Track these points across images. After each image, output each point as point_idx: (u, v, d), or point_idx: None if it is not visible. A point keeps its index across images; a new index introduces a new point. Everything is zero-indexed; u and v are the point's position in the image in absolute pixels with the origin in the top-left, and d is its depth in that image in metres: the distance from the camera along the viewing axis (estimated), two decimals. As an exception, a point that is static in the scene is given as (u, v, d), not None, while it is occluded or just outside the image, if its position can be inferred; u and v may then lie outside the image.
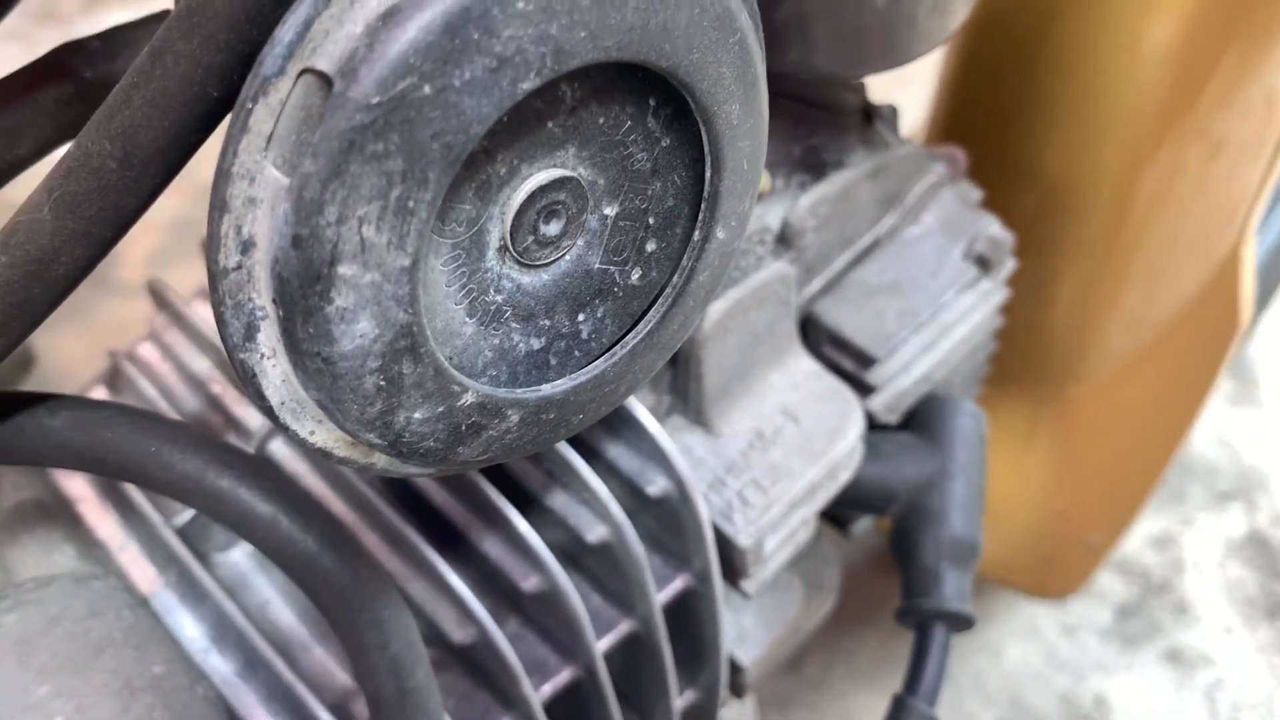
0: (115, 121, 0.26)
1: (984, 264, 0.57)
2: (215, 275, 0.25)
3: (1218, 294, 0.79)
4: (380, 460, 0.31)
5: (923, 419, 0.58)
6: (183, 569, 0.46)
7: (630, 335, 0.32)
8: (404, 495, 0.45)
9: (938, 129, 0.73)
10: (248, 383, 0.27)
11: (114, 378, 0.53)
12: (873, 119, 0.58)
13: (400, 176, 0.24)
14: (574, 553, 0.47)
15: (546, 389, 0.31)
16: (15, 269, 0.28)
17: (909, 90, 0.92)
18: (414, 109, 0.24)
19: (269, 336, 0.26)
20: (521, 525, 0.42)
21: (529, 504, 0.44)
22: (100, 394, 0.53)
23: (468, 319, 0.29)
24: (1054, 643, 1.26)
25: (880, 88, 0.63)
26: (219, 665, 0.46)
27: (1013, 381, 0.78)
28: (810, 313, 0.55)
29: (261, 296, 0.25)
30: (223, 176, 0.24)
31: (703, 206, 0.31)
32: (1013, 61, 0.68)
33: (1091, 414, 0.80)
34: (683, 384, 0.49)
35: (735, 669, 0.59)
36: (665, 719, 0.56)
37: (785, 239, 0.51)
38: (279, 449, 0.47)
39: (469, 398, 0.29)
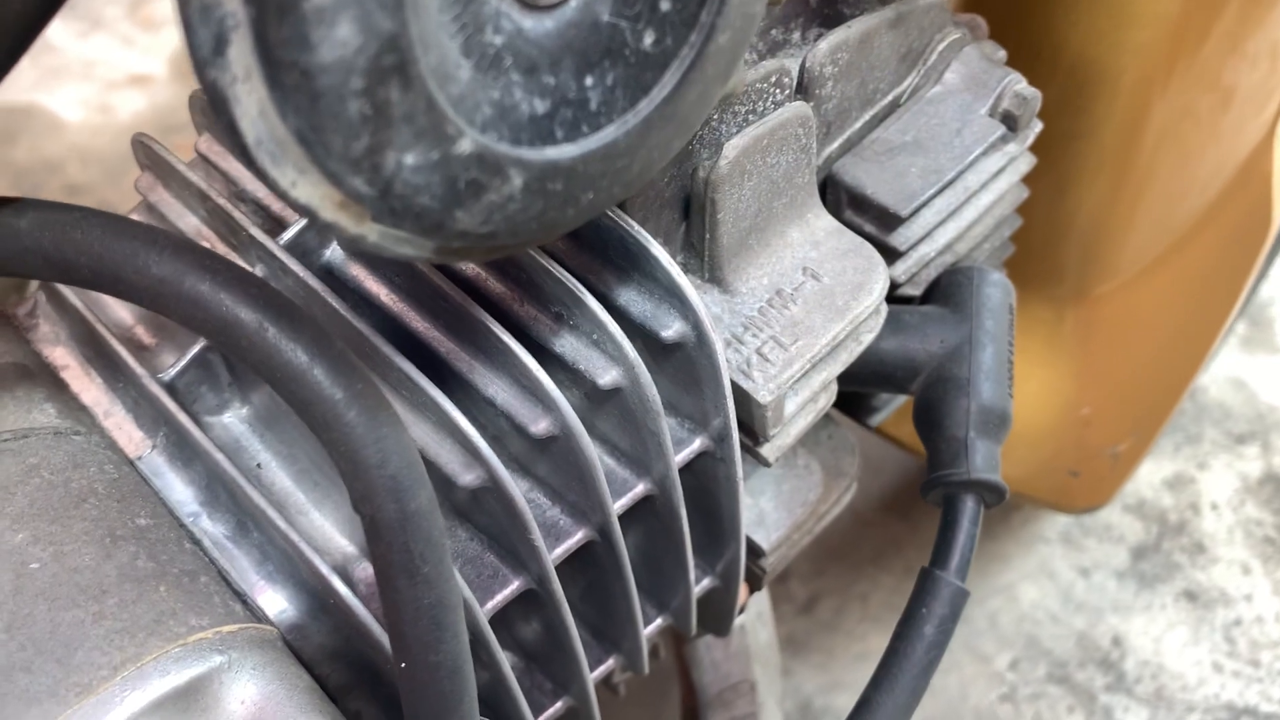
0: None
1: (1011, 122, 0.54)
2: (179, -31, 0.22)
3: (1248, 191, 0.76)
4: (372, 232, 0.28)
5: (947, 288, 0.55)
6: (173, 426, 0.43)
7: (644, 102, 0.29)
8: (402, 338, 0.42)
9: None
10: (220, 111, 0.24)
11: (49, 294, 0.50)
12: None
13: None
14: (585, 410, 0.44)
15: (552, 152, 0.28)
16: None
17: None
18: None
19: (241, 53, 0.23)
20: (529, 361, 0.39)
21: (536, 351, 0.41)
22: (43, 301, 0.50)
23: (463, 60, 0.26)
24: (1070, 584, 1.24)
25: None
26: (209, 529, 0.44)
27: (1034, 282, 0.75)
28: (829, 174, 0.52)
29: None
30: None
31: (721, -49, 0.28)
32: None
33: (1117, 315, 0.77)
34: (698, 236, 0.46)
35: (754, 554, 0.57)
36: (684, 604, 0.53)
37: (804, 87, 0.48)
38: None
39: (466, 145, 0.26)
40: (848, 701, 1.23)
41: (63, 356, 0.48)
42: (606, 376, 0.42)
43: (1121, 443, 0.79)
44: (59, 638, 0.35)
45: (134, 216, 0.51)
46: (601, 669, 0.54)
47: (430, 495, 0.34)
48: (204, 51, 0.23)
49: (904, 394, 0.56)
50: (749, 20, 0.30)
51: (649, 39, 0.29)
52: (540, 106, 0.29)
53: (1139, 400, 0.80)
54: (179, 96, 1.74)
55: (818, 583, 1.29)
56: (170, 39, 1.79)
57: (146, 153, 0.48)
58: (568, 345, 0.42)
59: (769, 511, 0.56)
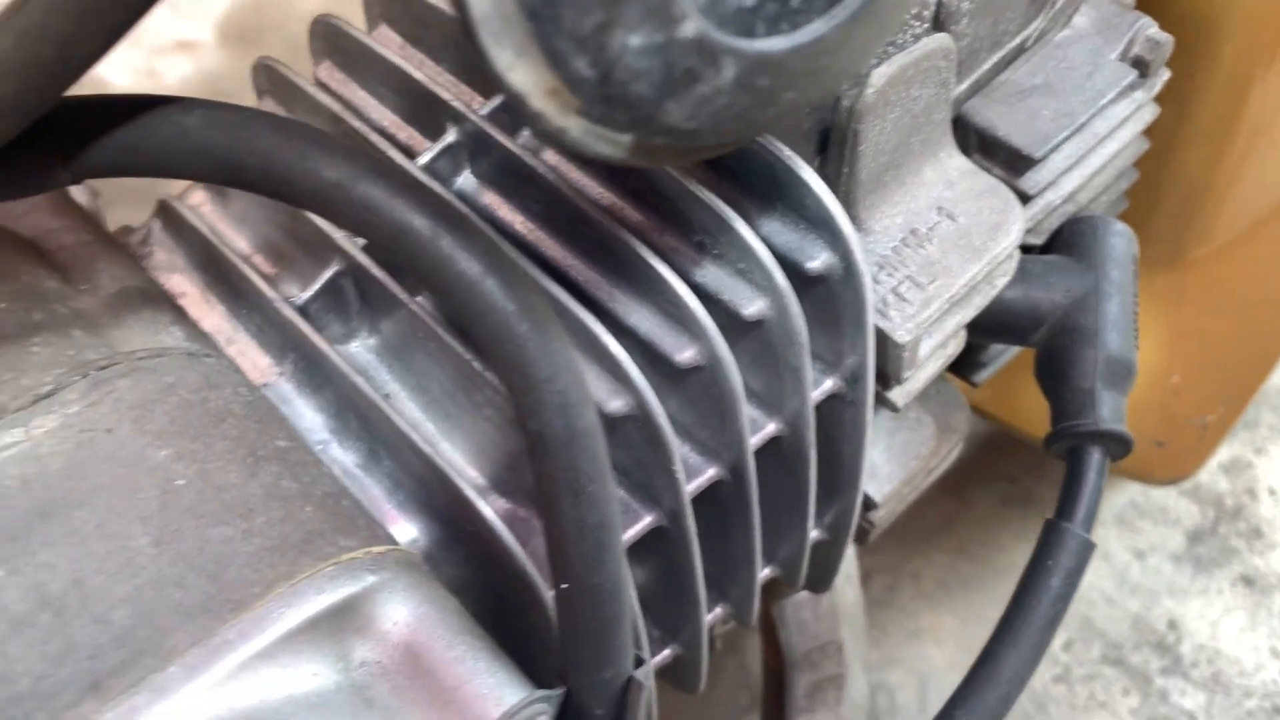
0: None
1: (1142, 67, 0.53)
2: None
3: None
4: (575, 126, 0.27)
5: (1071, 238, 0.54)
6: (303, 351, 0.42)
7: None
8: (538, 265, 0.41)
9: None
10: (452, -19, 0.23)
11: (166, 221, 0.50)
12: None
13: None
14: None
15: (763, 44, 0.27)
16: None
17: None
18: None
19: (480, -85, 0.22)
20: (678, 286, 0.38)
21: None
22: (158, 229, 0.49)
23: (686, -58, 0.25)
24: (1125, 565, 1.23)
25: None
26: (339, 456, 0.43)
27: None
28: (959, 115, 0.51)
29: None
30: None
31: None
32: None
33: (1211, 280, 0.75)
34: (834, 170, 0.45)
35: (865, 507, 0.55)
36: (795, 555, 0.52)
37: (940, 21, 0.47)
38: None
39: (689, 28, 0.25)
40: (901, 678, 1.23)
41: (180, 284, 0.47)
42: (751, 307, 0.40)
43: (1210, 413, 0.77)
44: (209, 554, 0.35)
45: (198, 193, 0.50)
46: (710, 617, 0.53)
47: (596, 415, 0.34)
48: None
49: (1024, 345, 0.55)
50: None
51: (855, -67, 0.28)
52: (748, 0, 0.27)
53: (1230, 369, 0.78)
54: (226, 62, 1.74)
55: (870, 560, 1.28)
56: (218, 4, 1.78)
57: (269, 75, 0.47)
58: (709, 275, 0.41)
59: (880, 464, 0.55)
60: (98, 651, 0.32)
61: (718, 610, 0.53)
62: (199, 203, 0.49)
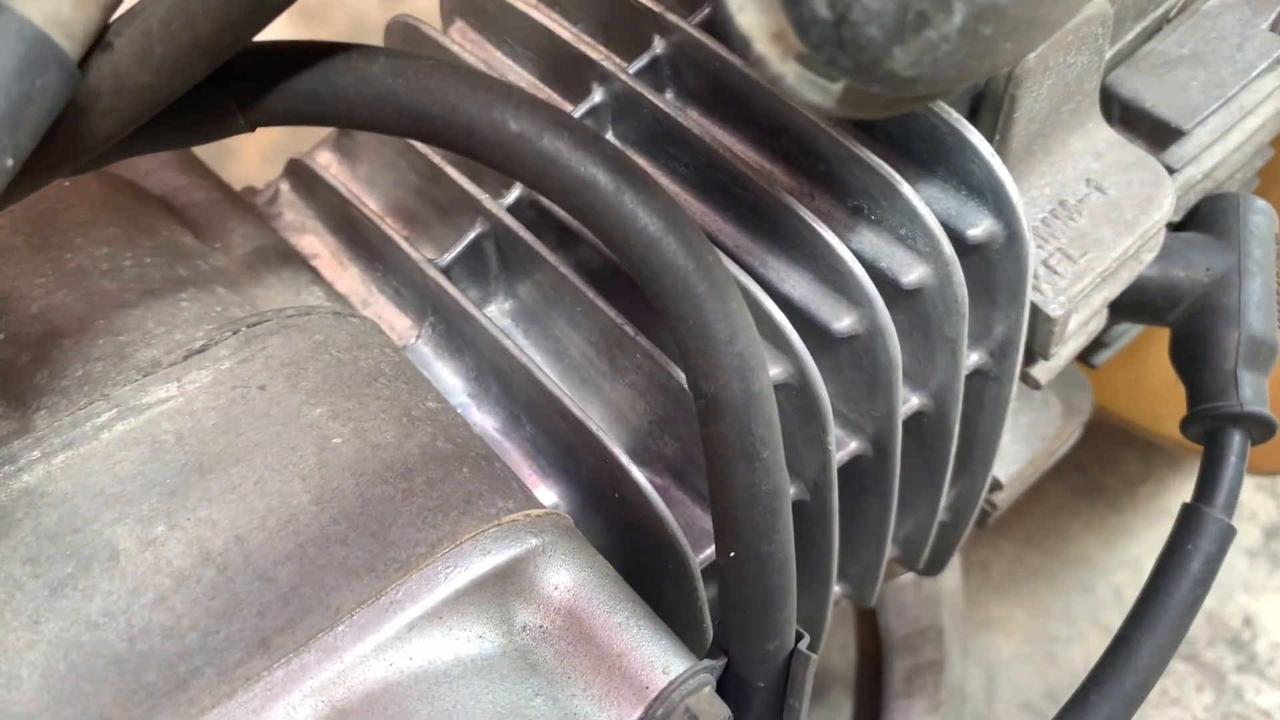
0: None
1: (1292, 39, 0.51)
2: None
3: None
4: (791, 72, 0.26)
5: (1210, 215, 0.52)
6: (444, 314, 0.42)
7: (1076, -57, 0.27)
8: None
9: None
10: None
11: (296, 180, 0.49)
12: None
13: None
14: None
15: (992, -11, 0.26)
16: None
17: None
18: None
19: None
20: (842, 250, 0.37)
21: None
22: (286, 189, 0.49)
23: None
24: (1199, 561, 1.20)
25: None
26: (479, 420, 0.42)
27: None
28: (1103, 86, 0.50)
29: None
30: None
31: None
32: None
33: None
34: (985, 136, 0.44)
35: (991, 486, 0.54)
36: (921, 534, 0.51)
37: (1092, -13, 0.45)
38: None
39: (929, -31, 0.24)
40: (968, 668, 1.21)
41: (312, 244, 0.47)
42: (912, 275, 0.39)
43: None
44: (370, 512, 0.34)
45: (324, 152, 0.49)
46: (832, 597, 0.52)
47: (769, 379, 0.33)
48: None
49: (1160, 324, 0.53)
50: None
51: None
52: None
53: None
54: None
55: (937, 547, 1.25)
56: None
57: (407, 34, 0.46)
58: (866, 241, 0.40)
59: (1006, 444, 0.54)
60: (264, 609, 0.32)
61: (837, 589, 0.52)
62: (326, 163, 0.48)
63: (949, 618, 0.67)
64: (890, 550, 0.53)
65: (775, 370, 0.38)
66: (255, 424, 0.36)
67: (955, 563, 0.68)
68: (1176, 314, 0.52)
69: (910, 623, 0.66)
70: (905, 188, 0.38)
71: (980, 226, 0.40)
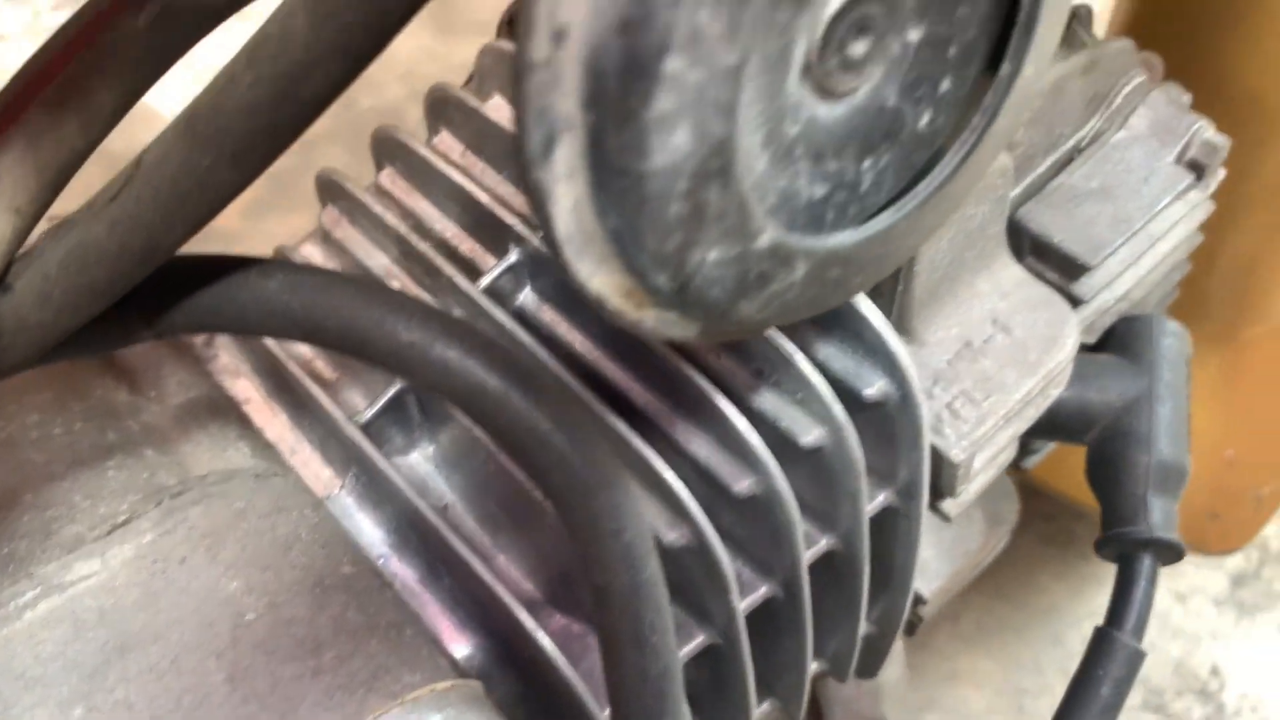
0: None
1: (1198, 170, 0.53)
2: (520, 71, 0.22)
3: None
4: (649, 316, 0.28)
5: (1123, 338, 0.54)
6: (366, 468, 0.43)
7: (921, 186, 0.29)
8: (597, 386, 0.42)
9: (1118, 32, 0.68)
10: (538, 206, 0.24)
11: None
12: (1071, 19, 0.54)
13: (743, -48, 0.21)
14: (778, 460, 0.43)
15: (836, 239, 0.28)
16: (262, 86, 0.26)
17: None
18: None
19: (569, 153, 0.23)
20: (737, 419, 0.39)
21: (733, 404, 0.41)
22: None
23: (762, 151, 0.26)
24: (1167, 609, 1.21)
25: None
26: (399, 570, 0.44)
27: (1181, 319, 0.73)
28: (1013, 219, 0.51)
29: (568, 101, 0.22)
30: (542, -50, 0.21)
31: (1015, 35, 0.27)
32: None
33: (1267, 358, 0.75)
34: (888, 286, 0.45)
35: (914, 602, 0.56)
36: (845, 650, 0.53)
37: (996, 134, 0.47)
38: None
39: (765, 240, 0.26)
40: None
41: (245, 389, 0.48)
42: (809, 436, 0.41)
43: (1266, 485, 0.77)
44: (280, 692, 0.36)
45: (309, 247, 0.51)
46: (757, 713, 0.53)
47: (658, 563, 0.34)
48: (534, 150, 0.23)
49: (1076, 444, 0.55)
50: (1029, 101, 0.29)
51: (925, 119, 0.29)
52: (818, 191, 0.28)
53: (1285, 442, 0.78)
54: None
55: (909, 600, 1.26)
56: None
57: (331, 189, 0.48)
58: (767, 402, 0.42)
59: (930, 560, 0.55)
60: (175, 794, 0.33)
61: (765, 706, 0.54)
62: (309, 255, 0.50)
63: (891, 709, 0.68)
64: (819, 665, 0.55)
65: (676, 534, 0.40)
66: (174, 599, 0.37)
67: (898, 653, 0.69)
68: (1092, 435, 0.54)
69: (853, 716, 0.68)
70: (798, 359, 0.39)
71: (875, 386, 0.42)
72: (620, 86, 0.22)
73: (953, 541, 0.56)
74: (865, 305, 0.40)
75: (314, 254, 0.50)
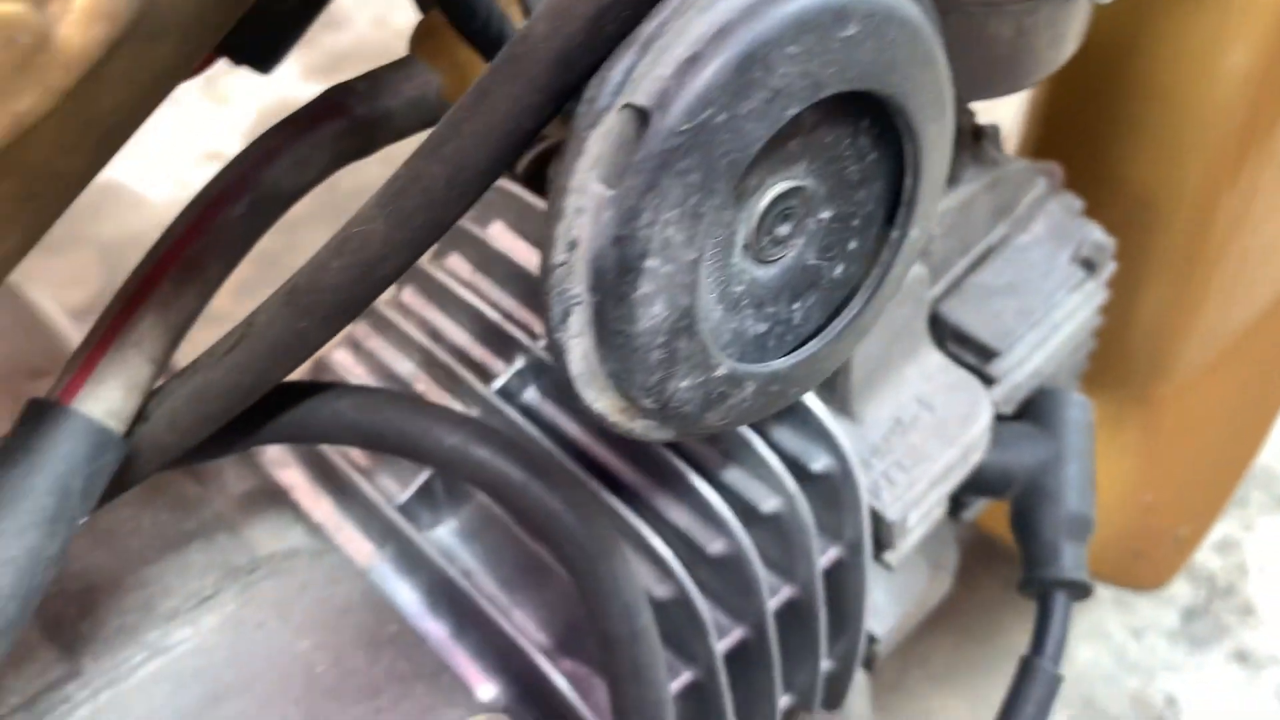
0: (446, 148, 0.32)
1: (1089, 266, 0.63)
2: (546, 270, 0.31)
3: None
4: (639, 425, 0.37)
5: (1036, 410, 0.64)
6: (402, 541, 0.52)
7: (838, 320, 0.38)
8: (593, 467, 0.51)
9: (1030, 145, 0.78)
10: (558, 357, 0.33)
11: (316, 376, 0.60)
12: (980, 138, 0.64)
13: (697, 188, 0.31)
14: (744, 525, 0.52)
15: (775, 364, 0.37)
16: (348, 271, 0.35)
17: (997, 109, 0.98)
18: (711, 133, 0.30)
19: (579, 320, 0.32)
20: (709, 493, 0.48)
21: (706, 479, 0.50)
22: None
23: (717, 305, 0.35)
24: (1123, 644, 1.29)
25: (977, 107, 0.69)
26: (433, 628, 0.52)
27: (1100, 381, 0.83)
28: (935, 313, 0.61)
29: (578, 286, 0.32)
30: (559, 191, 0.31)
31: (901, 209, 0.37)
32: (1100, 83, 0.74)
33: (1176, 412, 0.84)
34: (831, 376, 0.55)
35: (869, 640, 0.65)
36: (810, 680, 0.62)
37: (916, 246, 0.57)
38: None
39: (722, 370, 0.35)
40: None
41: (292, 477, 0.57)
42: (768, 504, 0.50)
43: (1183, 526, 0.86)
44: (349, 729, 0.44)
45: (342, 354, 0.60)
46: (736, 744, 0.62)
47: (650, 615, 0.43)
48: (555, 319, 0.32)
49: (999, 500, 0.65)
50: (917, 253, 0.39)
51: (839, 270, 0.38)
52: (761, 328, 0.37)
53: (1200, 487, 0.88)
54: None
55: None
56: (243, 114, 1.87)
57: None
58: (733, 476, 0.51)
59: (881, 603, 0.64)
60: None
61: (744, 735, 0.62)
62: (341, 361, 0.59)
63: (859, 738, 0.77)
64: (789, 698, 0.64)
65: (663, 589, 0.49)
66: (256, 657, 0.46)
67: (863, 687, 0.78)
68: (1012, 492, 0.63)
69: (824, 745, 0.76)
70: (756, 442, 0.49)
71: (820, 462, 0.51)
72: (615, 278, 0.31)
73: (901, 587, 0.65)
74: (810, 398, 0.50)
75: (347, 359, 0.60)
